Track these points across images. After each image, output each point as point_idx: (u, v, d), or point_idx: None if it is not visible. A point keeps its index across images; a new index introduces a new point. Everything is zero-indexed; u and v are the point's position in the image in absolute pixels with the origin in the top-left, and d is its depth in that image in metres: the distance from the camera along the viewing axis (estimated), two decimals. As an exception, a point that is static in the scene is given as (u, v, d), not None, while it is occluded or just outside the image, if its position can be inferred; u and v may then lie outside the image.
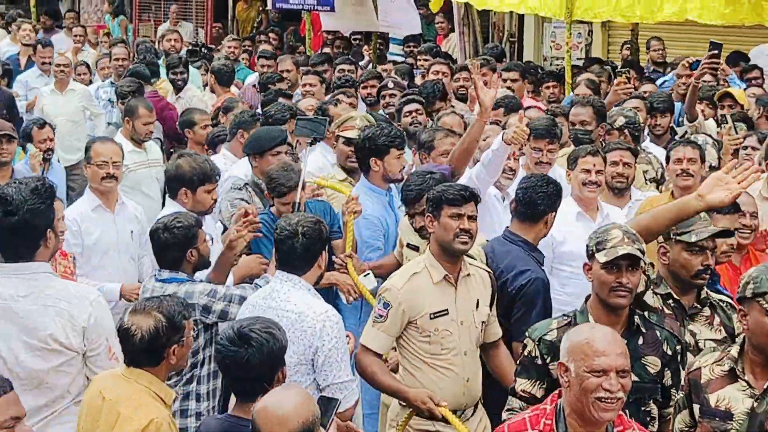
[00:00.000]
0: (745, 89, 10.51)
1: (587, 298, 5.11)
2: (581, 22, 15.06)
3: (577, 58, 15.10)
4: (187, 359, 4.97)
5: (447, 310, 5.71)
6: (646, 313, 5.19)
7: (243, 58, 15.35)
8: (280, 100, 9.81)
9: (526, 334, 5.15)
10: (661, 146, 8.92)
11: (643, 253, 4.95)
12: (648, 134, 9.34)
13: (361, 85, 11.05)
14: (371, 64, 14.90)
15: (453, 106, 10.13)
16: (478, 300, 5.83)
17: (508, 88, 10.84)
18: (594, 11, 11.98)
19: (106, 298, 6.90)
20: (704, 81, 9.96)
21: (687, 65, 10.80)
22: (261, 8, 19.49)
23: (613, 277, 4.92)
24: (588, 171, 7.17)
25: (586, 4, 11.91)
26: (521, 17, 16.76)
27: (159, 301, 4.79)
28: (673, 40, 14.48)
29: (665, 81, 11.54)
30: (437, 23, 17.18)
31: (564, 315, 5.13)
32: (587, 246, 5.08)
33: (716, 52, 9.66)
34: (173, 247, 5.88)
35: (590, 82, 10.51)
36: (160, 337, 4.67)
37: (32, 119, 9.82)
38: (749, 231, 6.73)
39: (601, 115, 8.65)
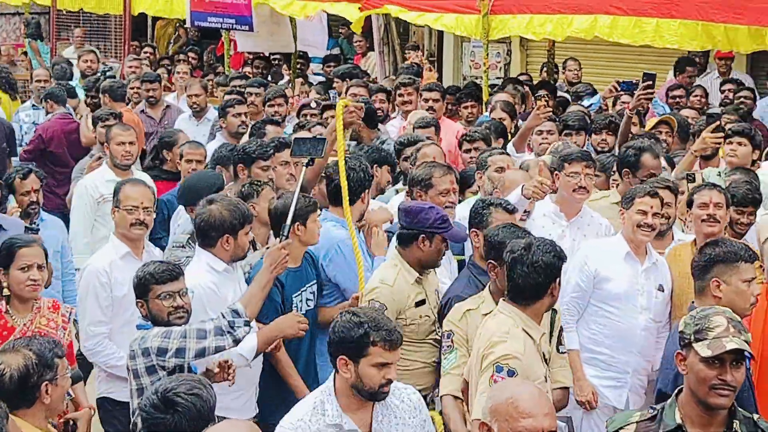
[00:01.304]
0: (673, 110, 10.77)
1: (679, 391, 4.48)
2: (500, 41, 15.27)
3: (497, 78, 15.24)
4: (65, 403, 4.87)
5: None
6: (754, 416, 4.50)
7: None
8: (269, 127, 9.40)
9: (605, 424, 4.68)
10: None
11: (749, 344, 4.33)
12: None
13: (268, 103, 10.94)
14: (291, 84, 14.89)
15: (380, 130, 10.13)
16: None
17: (430, 108, 10.90)
18: (508, 28, 12.19)
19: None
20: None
21: (615, 88, 11.01)
22: (179, 25, 19.37)
23: (715, 373, 4.27)
24: (644, 212, 6.75)
25: (501, 24, 12.11)
26: (441, 36, 16.86)
27: (28, 340, 4.73)
28: (588, 60, 14.79)
29: (592, 104, 11.67)
30: (356, 42, 17.20)
31: (651, 407, 4.56)
32: (682, 332, 4.43)
33: (650, 83, 9.81)
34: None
35: (505, 104, 10.58)
36: (30, 375, 4.60)
37: (16, 167, 8.99)
38: None
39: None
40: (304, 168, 6.63)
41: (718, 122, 9.04)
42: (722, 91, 12.34)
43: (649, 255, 6.86)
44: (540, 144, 9.40)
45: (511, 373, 5.03)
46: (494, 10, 12.06)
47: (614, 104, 11.21)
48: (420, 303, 6.21)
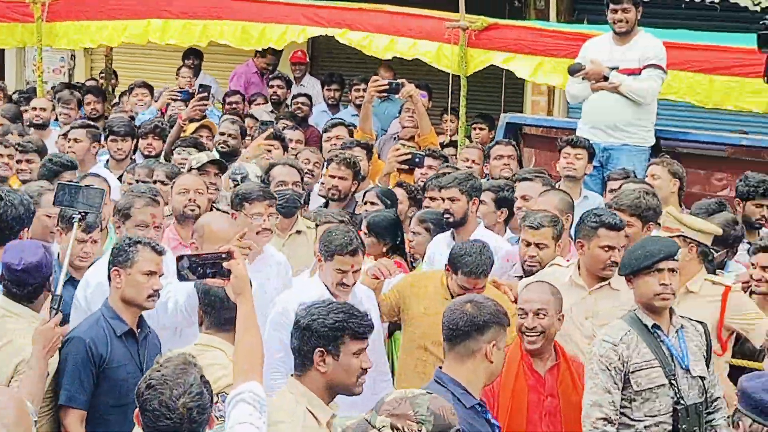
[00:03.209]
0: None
1: None
2: (65, 46, 15.04)
3: (61, 83, 14.94)
4: None
5: None
6: None
7: None
8: None
9: None
10: (117, 174, 8.84)
11: None
12: (109, 159, 9.40)
13: None
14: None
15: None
16: None
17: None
18: (69, 38, 12.13)
19: None
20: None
21: (175, 95, 11.21)
22: None
23: None
24: (343, 272, 6.01)
25: (63, 32, 12.03)
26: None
27: None
28: (144, 64, 15.07)
29: (149, 117, 11.61)
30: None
31: None
32: None
33: (206, 94, 10.11)
34: None
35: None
36: None
37: None
38: (536, 334, 5.44)
39: None
40: (76, 224, 5.63)
41: (272, 129, 9.31)
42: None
43: (353, 296, 6.13)
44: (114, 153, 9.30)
45: None
46: (49, 17, 11.92)
47: (166, 110, 11.33)
48: None
